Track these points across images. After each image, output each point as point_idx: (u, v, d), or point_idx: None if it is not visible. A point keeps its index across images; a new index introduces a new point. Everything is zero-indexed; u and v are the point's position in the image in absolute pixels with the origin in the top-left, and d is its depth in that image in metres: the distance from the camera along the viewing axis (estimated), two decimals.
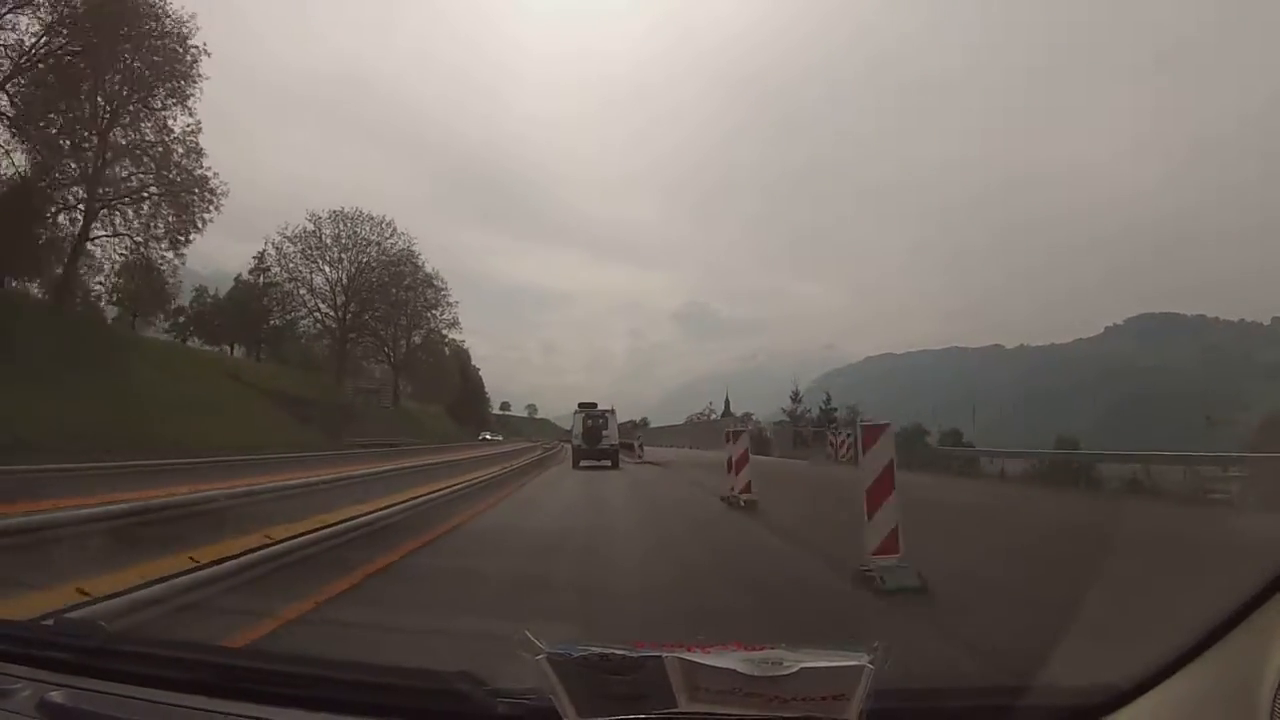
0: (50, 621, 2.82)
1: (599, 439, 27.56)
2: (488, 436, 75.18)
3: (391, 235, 61.05)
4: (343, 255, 60.06)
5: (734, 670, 1.13)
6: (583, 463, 26.61)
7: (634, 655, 1.16)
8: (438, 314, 66.07)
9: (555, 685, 1.15)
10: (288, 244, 59.58)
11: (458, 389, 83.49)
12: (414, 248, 62.63)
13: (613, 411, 29.84)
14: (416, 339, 67.57)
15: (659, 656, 1.14)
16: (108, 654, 1.55)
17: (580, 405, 29.62)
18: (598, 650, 1.17)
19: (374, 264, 60.77)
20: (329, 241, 59.98)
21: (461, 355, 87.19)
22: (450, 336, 69.27)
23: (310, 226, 59.44)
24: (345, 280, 60.21)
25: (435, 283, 65.02)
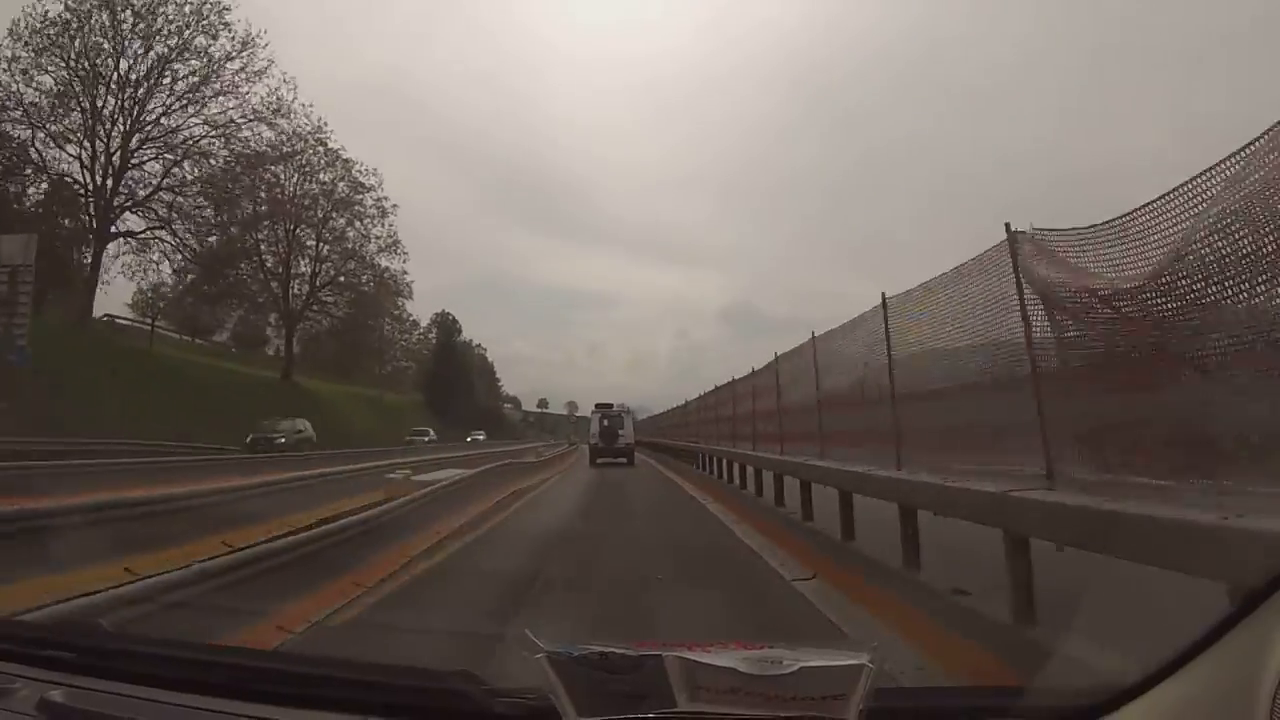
0: (50, 621, 2.83)
1: (615, 438, 29.10)
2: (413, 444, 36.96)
3: (225, 28, 30.79)
4: (120, 58, 29.57)
5: (733, 669, 1.13)
6: (599, 460, 28.27)
7: (633, 654, 1.16)
8: (364, 226, 39.78)
9: (555, 684, 1.15)
10: (19, 50, 28.64)
11: (431, 368, 63.60)
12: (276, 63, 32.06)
13: (629, 412, 31.36)
14: (330, 268, 40.41)
15: (658, 656, 1.14)
16: (108, 654, 1.55)
17: (597, 405, 31.63)
18: (597, 649, 1.17)
19: (200, 90, 30.82)
20: (99, 38, 29.26)
21: (448, 324, 68.21)
22: (386, 266, 41.91)
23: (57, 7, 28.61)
24: (119, 104, 29.88)
25: (356, 173, 38.31)
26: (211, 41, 31.14)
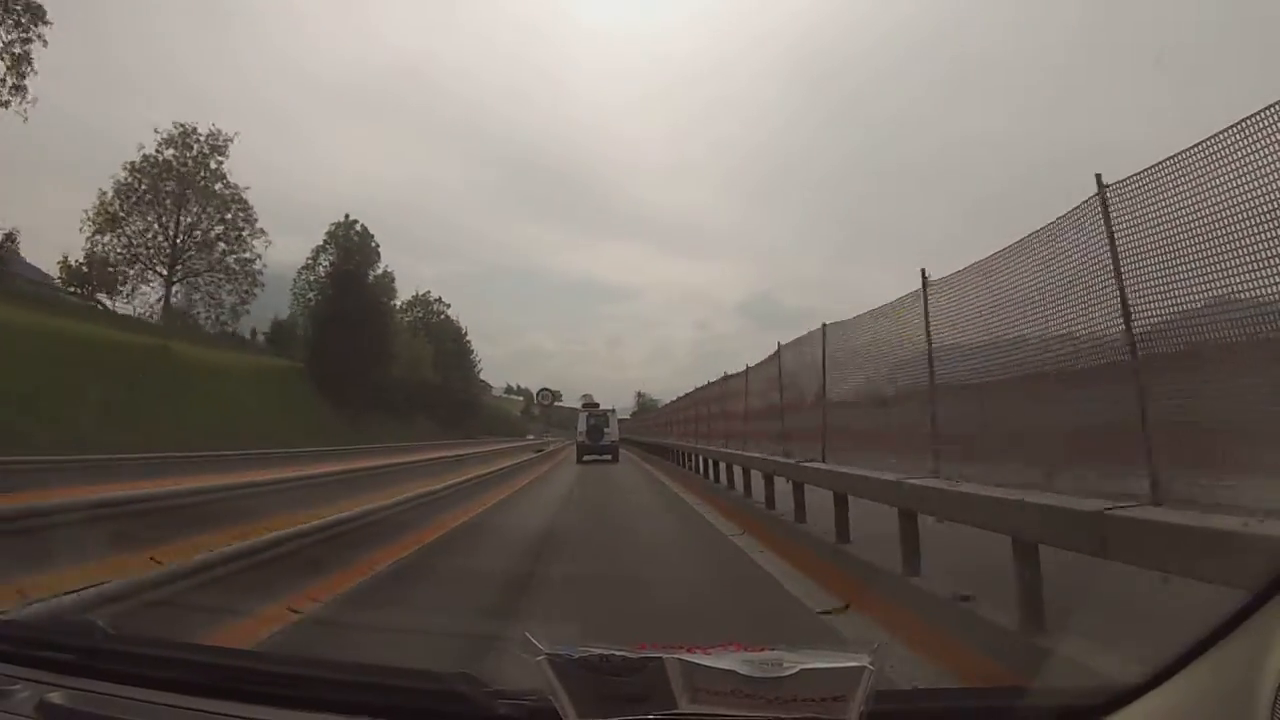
0: (49, 621, 2.83)
1: (601, 436, 30.97)
2: None
3: None
4: None
5: (734, 671, 1.13)
6: (586, 457, 29.95)
7: (634, 656, 1.16)
8: None
9: (555, 686, 1.14)
10: None
11: (322, 315, 40.89)
12: None
13: (613, 411, 33.46)
14: None
15: (659, 658, 1.14)
16: (107, 654, 1.55)
17: (584, 405, 34.48)
18: (598, 651, 1.17)
19: None
20: None
21: (353, 241, 44.88)
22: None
23: None
24: None
25: None
26: None
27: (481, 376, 71.45)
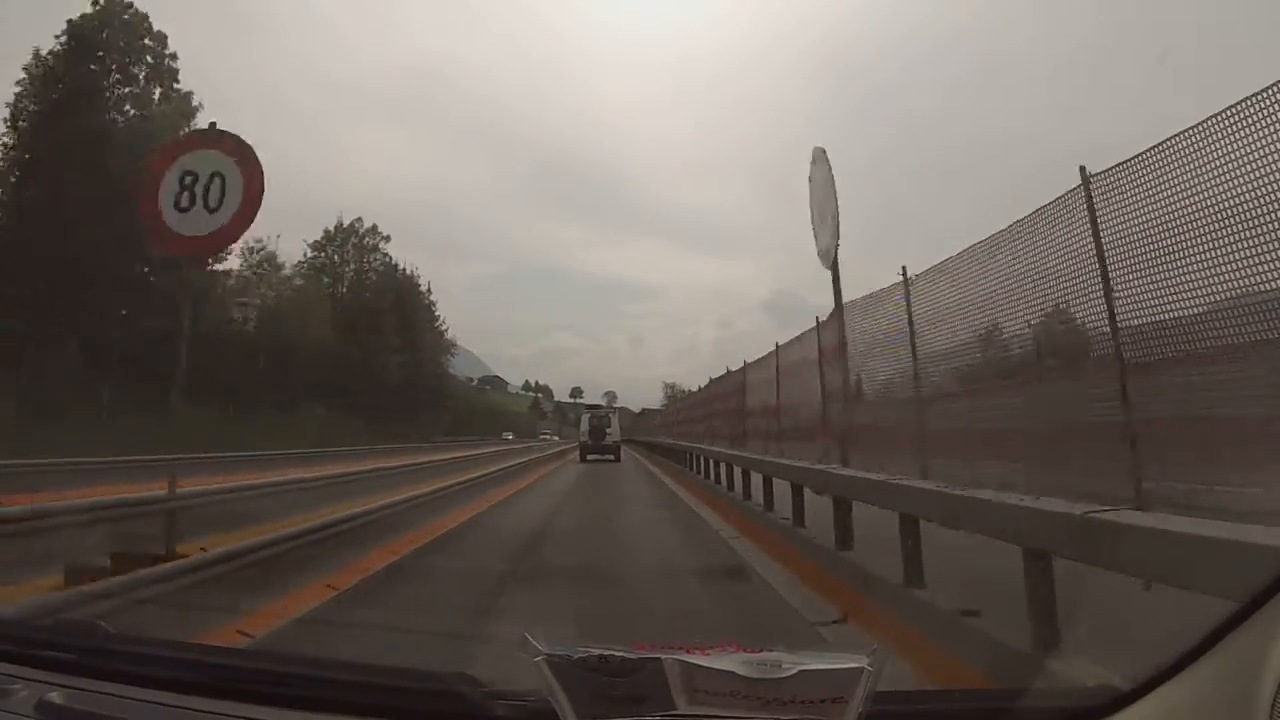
0: (50, 621, 2.83)
1: (603, 436, 32.22)
2: None
3: None
4: None
5: (733, 672, 1.13)
6: (589, 456, 31.22)
7: (633, 657, 1.16)
8: None
9: (554, 687, 1.14)
10: None
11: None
12: None
13: (615, 411, 35.60)
14: None
15: (658, 658, 1.14)
16: (107, 654, 1.55)
17: (588, 407, 36.70)
18: (597, 652, 1.17)
19: None
20: None
21: (132, 49, 23.53)
22: None
23: None
24: None
25: None
26: None
27: (500, 374, 63.60)
